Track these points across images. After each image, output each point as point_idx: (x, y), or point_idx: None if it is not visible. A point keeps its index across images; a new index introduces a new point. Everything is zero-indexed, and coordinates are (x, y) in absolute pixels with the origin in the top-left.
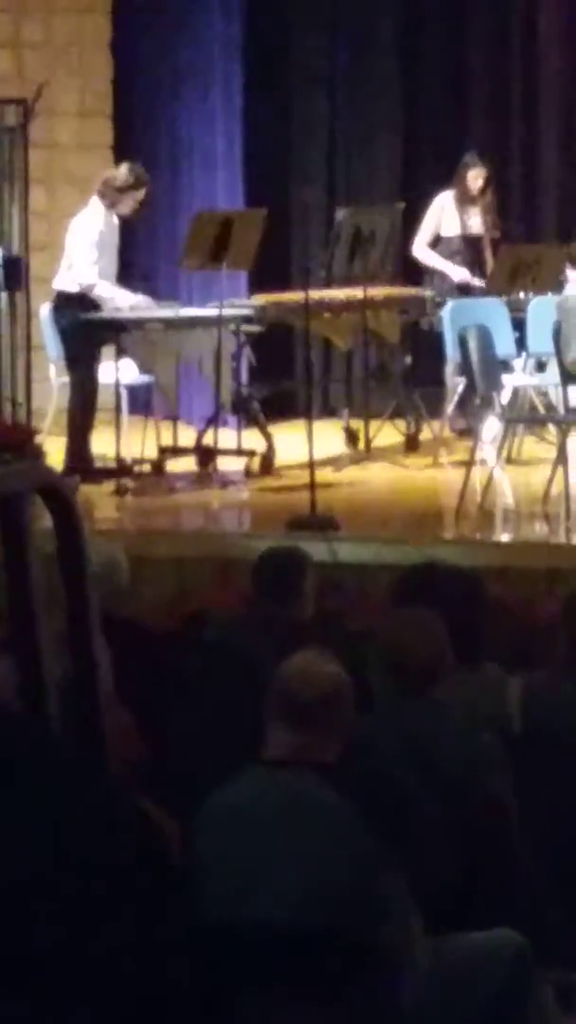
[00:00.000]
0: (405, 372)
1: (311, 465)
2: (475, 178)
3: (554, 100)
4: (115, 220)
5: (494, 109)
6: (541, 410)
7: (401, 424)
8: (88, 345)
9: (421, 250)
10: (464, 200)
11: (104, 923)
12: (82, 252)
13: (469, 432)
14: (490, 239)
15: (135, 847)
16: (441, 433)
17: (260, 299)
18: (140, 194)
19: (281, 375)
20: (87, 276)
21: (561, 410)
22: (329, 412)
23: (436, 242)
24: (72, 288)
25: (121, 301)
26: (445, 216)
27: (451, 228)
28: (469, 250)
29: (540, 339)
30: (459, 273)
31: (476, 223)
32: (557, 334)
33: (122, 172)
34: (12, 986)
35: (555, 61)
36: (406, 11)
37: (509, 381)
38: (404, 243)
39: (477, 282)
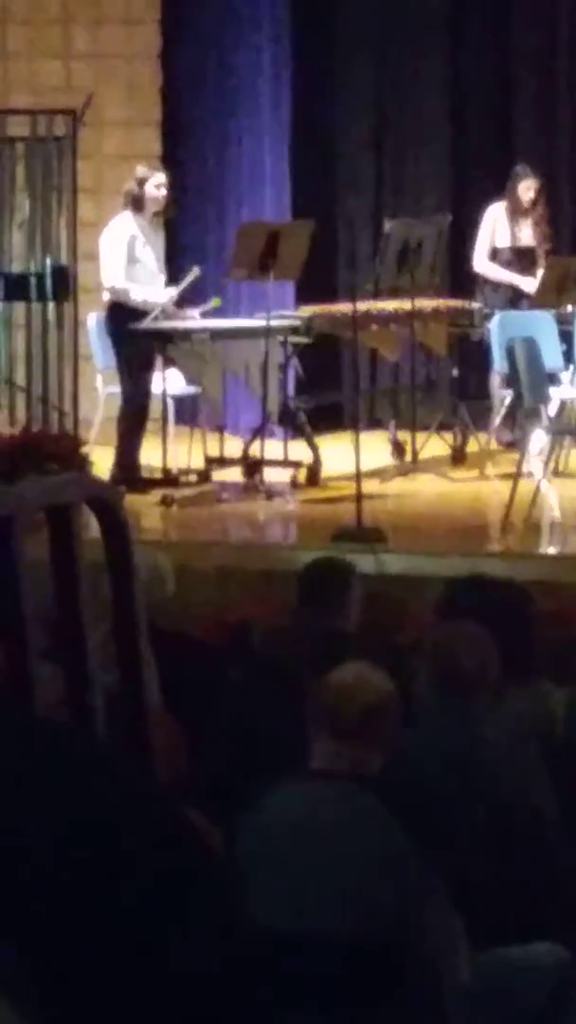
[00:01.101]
0: (452, 384)
1: (358, 477)
2: (527, 189)
3: None
4: (147, 225)
5: (542, 121)
6: None
7: (448, 436)
8: (139, 354)
9: (483, 264)
10: (516, 212)
11: (148, 934)
12: (108, 260)
13: (515, 444)
14: (543, 251)
15: (181, 858)
16: (488, 446)
17: (308, 310)
18: (159, 179)
19: (328, 386)
20: (117, 281)
21: None
22: (376, 424)
23: (492, 254)
24: (107, 296)
25: (153, 299)
26: (498, 228)
27: (502, 240)
28: (520, 262)
29: None
30: (527, 283)
31: (527, 235)
32: None
33: (136, 169)
34: (60, 996)
35: None
36: (452, 24)
37: (556, 393)
38: (452, 255)
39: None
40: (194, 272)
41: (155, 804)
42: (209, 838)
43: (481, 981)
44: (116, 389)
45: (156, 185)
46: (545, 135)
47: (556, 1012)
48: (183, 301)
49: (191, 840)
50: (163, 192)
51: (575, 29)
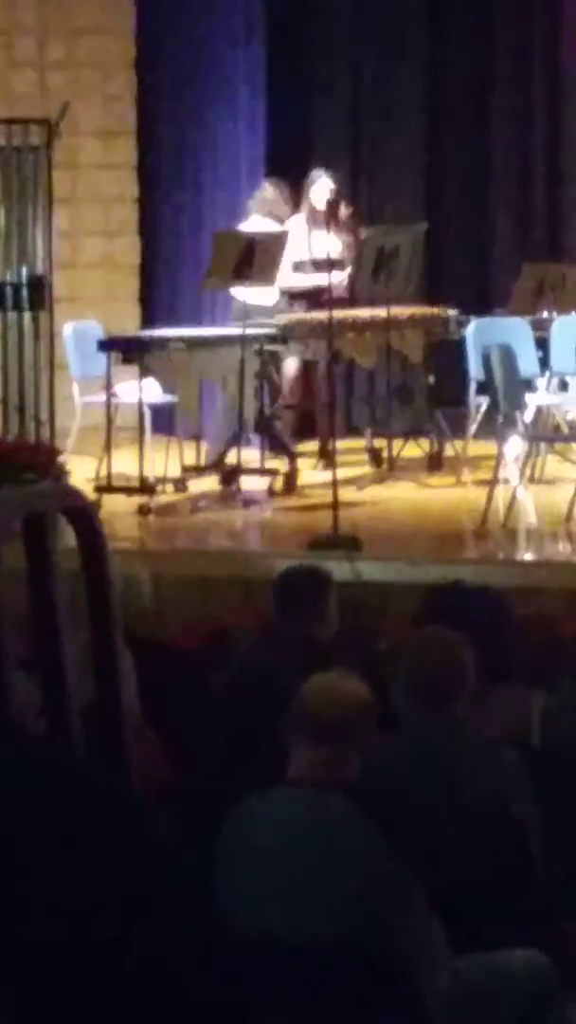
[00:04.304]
0: (428, 391)
1: (334, 484)
2: (320, 192)
3: None
4: None
5: (518, 127)
6: (564, 429)
7: (424, 443)
8: None
9: (284, 279)
10: (314, 220)
11: (128, 942)
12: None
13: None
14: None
15: (158, 866)
16: (464, 452)
17: (284, 318)
18: None
19: (304, 394)
20: None
21: None
22: (352, 431)
23: (294, 268)
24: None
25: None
26: (295, 240)
27: (301, 252)
28: (322, 272)
29: (564, 358)
30: (330, 277)
31: (333, 244)
32: None
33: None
34: (38, 1006)
35: None
36: (431, 24)
37: (532, 400)
38: (427, 262)
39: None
40: None
41: (131, 812)
42: (184, 846)
43: (462, 986)
44: (92, 399)
45: None
46: (521, 144)
47: (536, 1018)
48: None
49: (166, 848)
50: None
51: (552, 36)
